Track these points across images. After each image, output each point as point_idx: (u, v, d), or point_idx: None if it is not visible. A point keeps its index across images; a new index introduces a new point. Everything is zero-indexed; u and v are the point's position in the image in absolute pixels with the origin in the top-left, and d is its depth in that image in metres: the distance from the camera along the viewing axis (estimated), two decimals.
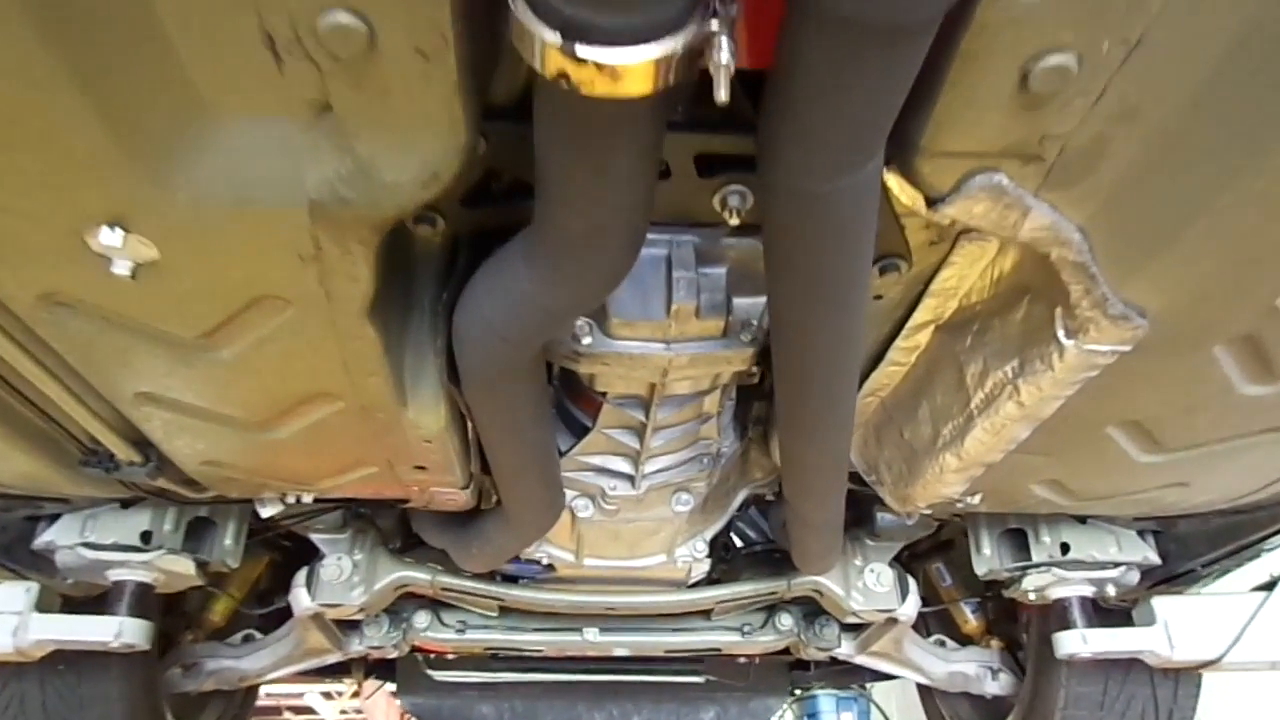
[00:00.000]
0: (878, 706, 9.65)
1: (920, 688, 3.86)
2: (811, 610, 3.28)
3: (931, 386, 1.74)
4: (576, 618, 3.20)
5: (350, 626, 3.21)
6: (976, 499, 2.12)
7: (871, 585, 2.82)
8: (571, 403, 2.07)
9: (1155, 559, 2.57)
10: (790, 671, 4.09)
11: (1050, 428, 1.58)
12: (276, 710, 15.74)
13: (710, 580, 2.95)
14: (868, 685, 10.56)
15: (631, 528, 2.38)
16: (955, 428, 1.70)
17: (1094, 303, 1.25)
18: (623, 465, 2.15)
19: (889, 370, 1.78)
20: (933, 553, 3.35)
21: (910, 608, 2.85)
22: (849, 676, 4.06)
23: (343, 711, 12.28)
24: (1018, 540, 2.67)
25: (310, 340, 1.32)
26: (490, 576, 2.82)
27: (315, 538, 2.79)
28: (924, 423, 1.82)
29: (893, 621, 2.94)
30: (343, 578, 2.74)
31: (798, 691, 4.25)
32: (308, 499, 2.18)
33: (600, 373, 1.64)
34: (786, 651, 3.45)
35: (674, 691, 4.03)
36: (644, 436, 2.01)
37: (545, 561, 2.59)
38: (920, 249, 1.39)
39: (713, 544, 3.07)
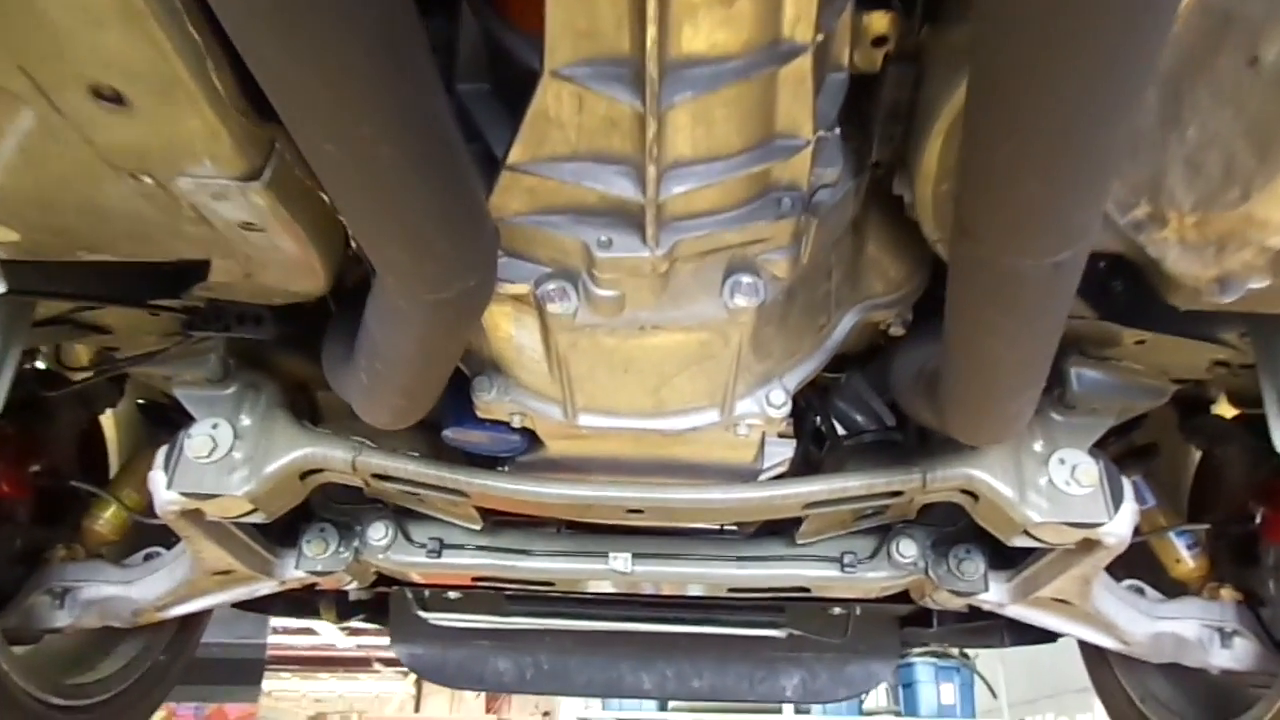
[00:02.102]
0: (983, 678, 8.39)
1: (1089, 653, 2.66)
2: (948, 534, 2.13)
3: None
4: (594, 535, 2.11)
5: (284, 540, 2.19)
6: None
7: (1062, 484, 1.65)
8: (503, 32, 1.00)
9: None
10: (902, 627, 2.93)
11: None
12: (366, 661, 15.21)
13: (796, 473, 1.84)
14: (971, 653, 9.28)
15: (653, 345, 1.28)
16: None
17: None
18: (622, 183, 1.05)
19: None
20: (1125, 460, 2.15)
21: (1124, 524, 1.68)
22: (986, 637, 2.88)
23: None
24: None
25: None
26: (452, 459, 1.76)
27: (183, 395, 1.77)
28: None
29: (1089, 548, 1.77)
30: (217, 454, 1.69)
31: (913, 653, 3.09)
32: None
33: None
34: (902, 597, 2.31)
35: (746, 648, 2.90)
36: (649, 94, 0.91)
37: (517, 422, 1.50)
38: None
39: (800, 412, 1.94)
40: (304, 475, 1.74)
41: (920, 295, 1.57)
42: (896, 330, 1.57)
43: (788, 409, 1.46)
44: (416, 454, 1.73)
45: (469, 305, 1.04)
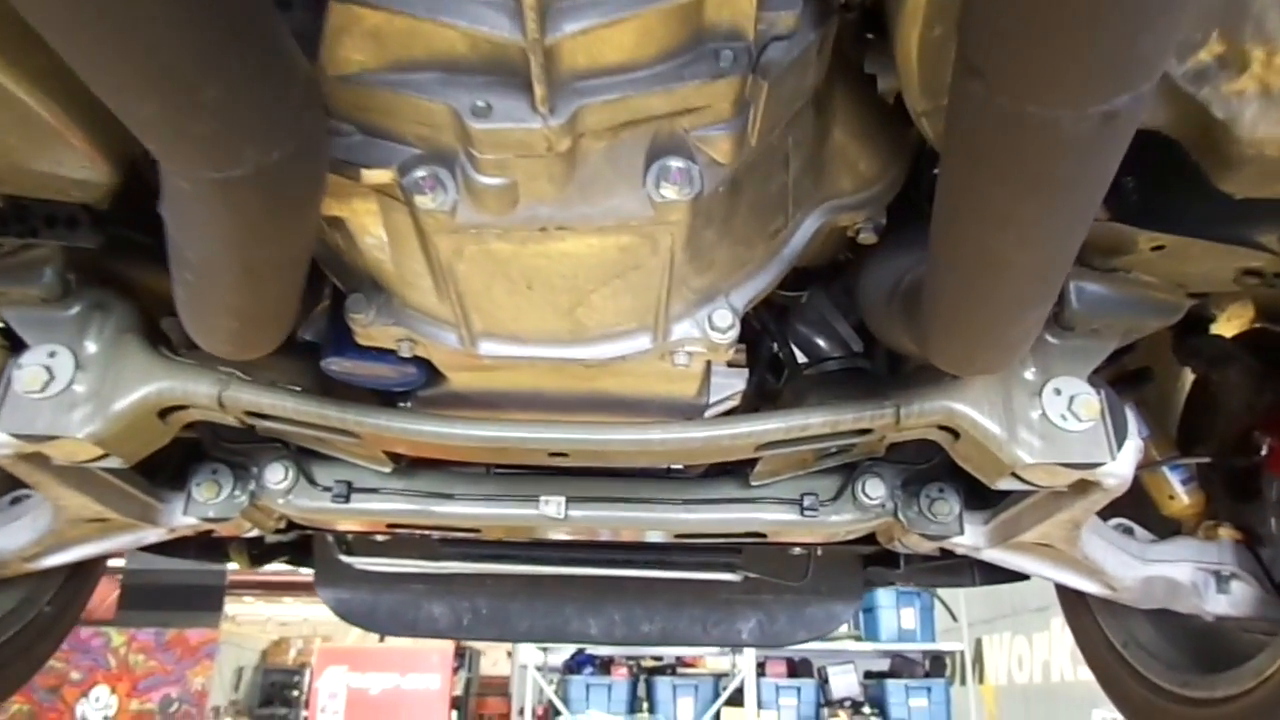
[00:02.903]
0: (943, 602, 8.36)
1: (1066, 594, 2.46)
2: (919, 473, 1.89)
3: None
4: (525, 477, 1.85)
5: (175, 481, 1.91)
6: None
7: (1057, 419, 1.39)
8: None
9: None
10: (865, 566, 2.71)
11: None
12: None
13: (749, 408, 1.57)
14: None
15: (560, 252, 0.99)
16: None
17: None
18: (494, 18, 0.75)
19: None
20: (1116, 387, 1.91)
21: (1126, 464, 1.43)
22: (954, 576, 2.67)
23: None
24: None
25: None
26: (344, 394, 1.47)
27: (12, 317, 1.45)
28: None
29: (1083, 490, 1.53)
30: (53, 388, 1.39)
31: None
32: None
33: None
34: (868, 538, 2.08)
35: (699, 592, 2.68)
36: None
37: (406, 350, 1.22)
38: None
39: (752, 337, 1.68)
40: (164, 413, 1.45)
41: (896, 194, 1.29)
42: (867, 237, 1.28)
43: (735, 333, 1.18)
44: (298, 388, 1.44)
45: (280, 188, 0.75)
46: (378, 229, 1.02)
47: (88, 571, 2.43)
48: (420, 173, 0.90)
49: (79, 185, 1.00)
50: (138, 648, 11.79)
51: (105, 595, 11.22)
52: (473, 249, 0.98)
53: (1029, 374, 1.41)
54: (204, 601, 12.06)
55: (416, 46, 0.79)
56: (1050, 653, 7.95)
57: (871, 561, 2.64)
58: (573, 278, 1.03)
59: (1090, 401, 1.39)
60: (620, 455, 1.47)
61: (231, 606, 13.21)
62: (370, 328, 1.16)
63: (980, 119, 0.64)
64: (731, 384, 1.47)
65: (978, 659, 8.80)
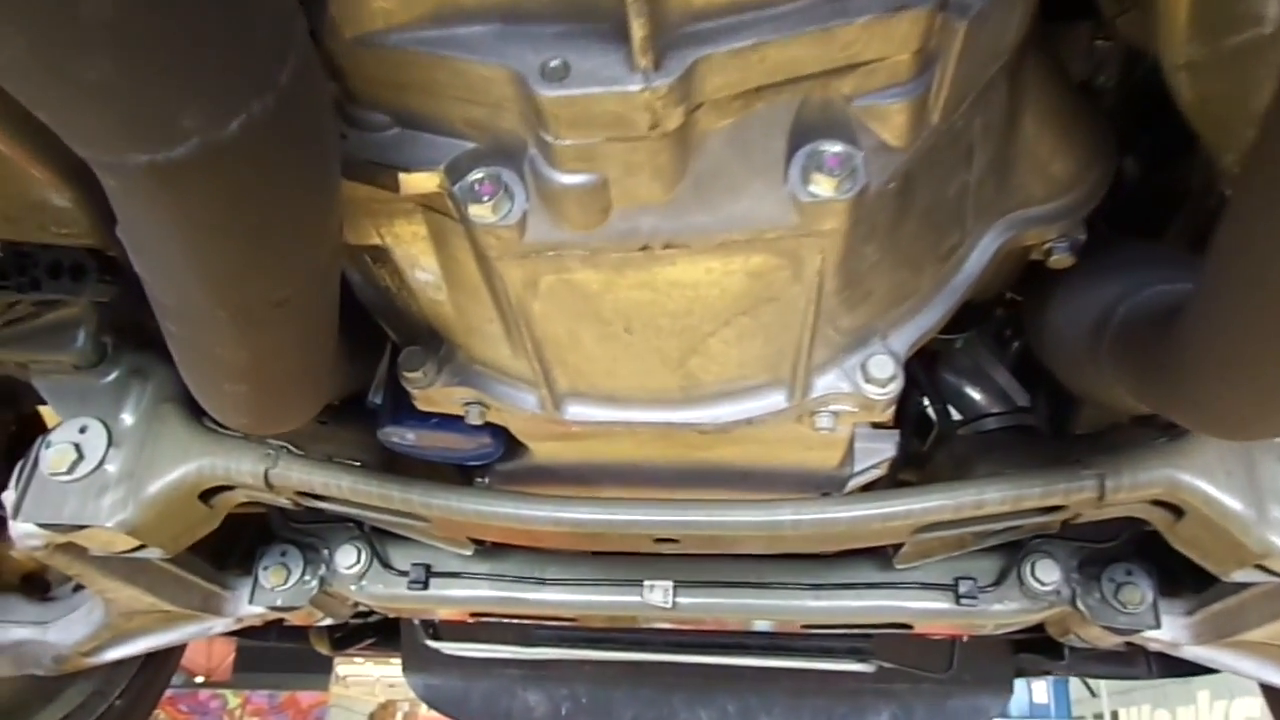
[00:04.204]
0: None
1: (1264, 687, 2.03)
2: (1099, 552, 1.53)
3: None
4: (626, 557, 1.57)
5: (234, 566, 1.69)
6: None
7: None
8: None
9: None
10: (1016, 653, 2.32)
11: None
12: None
13: (895, 480, 1.26)
14: None
15: (669, 282, 0.72)
16: None
17: None
18: None
19: None
20: None
21: None
22: (1125, 666, 2.25)
23: None
24: None
25: None
26: (412, 469, 1.22)
27: (44, 387, 1.25)
28: None
29: None
30: (82, 469, 1.17)
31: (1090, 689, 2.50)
32: None
33: None
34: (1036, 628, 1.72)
35: (824, 680, 2.33)
36: None
37: (475, 416, 0.95)
38: None
39: (907, 394, 1.37)
40: (206, 494, 1.22)
41: (1096, 205, 0.98)
42: (1061, 258, 0.97)
43: (897, 387, 0.88)
44: (358, 463, 1.20)
45: (251, 171, 0.49)
46: (429, 259, 0.77)
47: (161, 661, 2.23)
48: (476, 174, 0.64)
49: (60, 218, 0.78)
50: (252, 710, 11.85)
51: (223, 656, 11.31)
52: (550, 280, 0.72)
53: None
54: (315, 663, 12.07)
55: None
56: None
57: (1024, 647, 2.26)
58: (685, 316, 0.76)
59: None
60: (742, 542, 1.17)
61: (342, 667, 13.16)
62: (430, 389, 0.91)
63: None
64: (879, 448, 1.17)
65: None
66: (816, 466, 1.08)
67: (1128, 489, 1.07)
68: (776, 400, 0.88)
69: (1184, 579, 1.57)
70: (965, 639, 2.11)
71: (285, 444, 1.19)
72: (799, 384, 0.86)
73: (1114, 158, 0.97)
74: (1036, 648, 2.18)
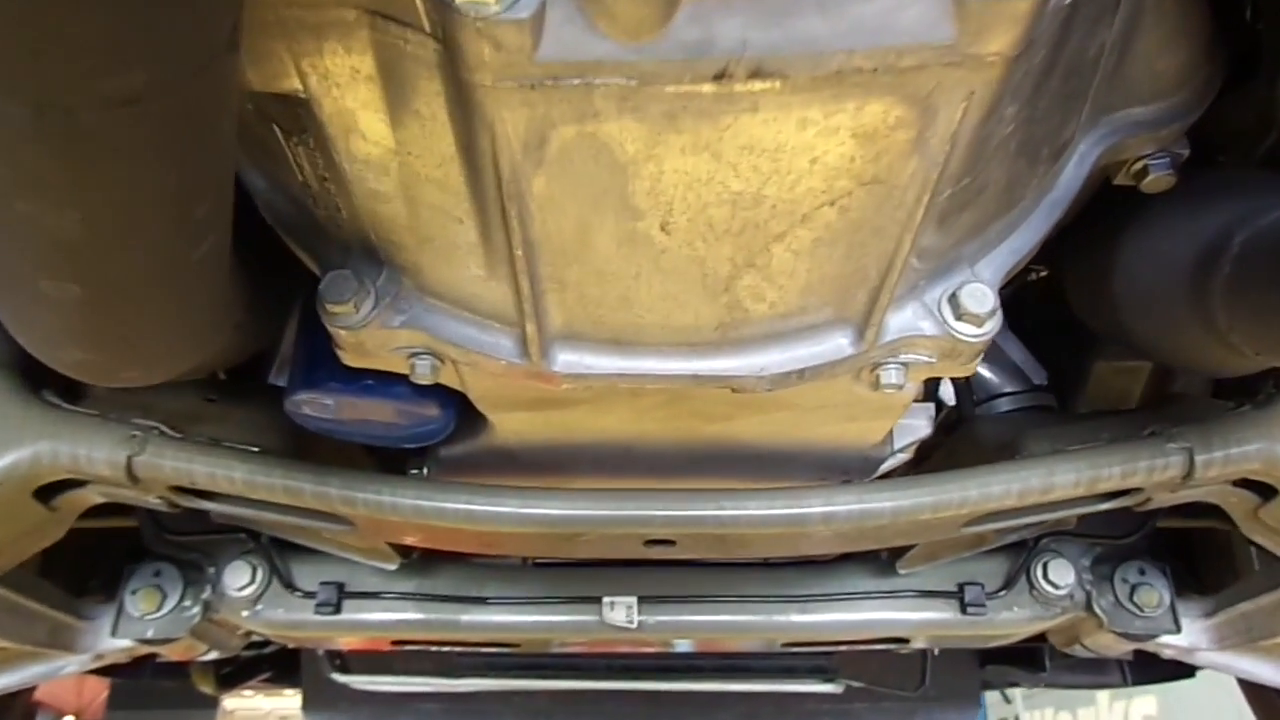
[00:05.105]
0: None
1: (1249, 686, 1.90)
2: (1112, 550, 1.35)
3: None
4: (581, 569, 1.31)
5: (96, 591, 1.37)
6: None
7: None
8: None
9: None
10: (982, 667, 2.14)
11: None
12: None
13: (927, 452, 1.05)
14: None
15: (740, 143, 0.49)
16: None
17: None
18: None
19: None
20: None
21: None
22: (1098, 675, 2.10)
23: None
24: None
25: None
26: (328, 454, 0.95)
27: None
28: None
29: None
30: None
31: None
32: None
33: None
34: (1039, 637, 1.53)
35: (778, 702, 2.12)
36: None
37: (425, 370, 0.70)
38: None
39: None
40: (47, 492, 0.91)
41: (1203, 112, 0.79)
42: (1158, 178, 0.77)
43: (995, 325, 0.67)
44: (256, 448, 0.91)
45: None
46: (373, 117, 0.51)
47: (4, 708, 1.86)
48: None
49: None
50: None
51: (96, 693, 10.45)
52: (568, 135, 0.47)
53: None
54: (200, 698, 11.31)
55: None
56: None
57: (991, 658, 2.09)
58: (753, 206, 0.52)
59: None
60: (754, 542, 0.94)
61: (230, 701, 12.39)
62: (362, 331, 0.64)
63: None
64: (914, 424, 0.95)
65: None
66: (852, 444, 0.85)
67: (1220, 464, 0.88)
68: (840, 345, 0.65)
69: (1186, 579, 1.43)
70: (938, 651, 1.92)
71: (157, 424, 0.90)
72: (873, 322, 0.64)
73: (1223, 59, 0.78)
74: (1008, 658, 2.01)
